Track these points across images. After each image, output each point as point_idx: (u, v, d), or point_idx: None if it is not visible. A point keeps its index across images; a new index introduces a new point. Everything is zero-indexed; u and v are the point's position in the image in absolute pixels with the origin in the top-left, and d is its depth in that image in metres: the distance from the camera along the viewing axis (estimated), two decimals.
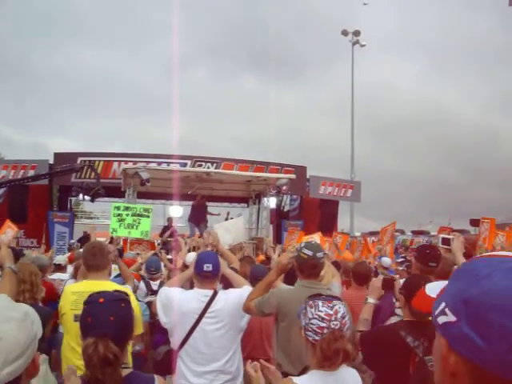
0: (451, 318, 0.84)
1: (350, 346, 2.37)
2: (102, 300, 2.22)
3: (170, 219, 15.98)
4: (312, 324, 2.35)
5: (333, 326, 2.32)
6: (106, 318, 2.14)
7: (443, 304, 0.87)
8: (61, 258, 7.46)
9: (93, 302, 2.26)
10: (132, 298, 3.84)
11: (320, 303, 2.38)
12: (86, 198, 13.85)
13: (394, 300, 4.44)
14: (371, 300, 3.76)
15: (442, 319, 0.87)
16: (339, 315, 2.36)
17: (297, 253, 3.63)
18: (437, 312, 0.89)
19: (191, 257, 5.30)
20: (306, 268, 3.56)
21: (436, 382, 0.90)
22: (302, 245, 3.69)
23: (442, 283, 0.95)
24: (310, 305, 2.40)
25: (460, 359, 0.82)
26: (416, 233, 23.80)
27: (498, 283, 0.80)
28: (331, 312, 2.35)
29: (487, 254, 0.92)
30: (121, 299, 2.28)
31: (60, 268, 7.11)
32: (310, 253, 3.52)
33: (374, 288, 3.84)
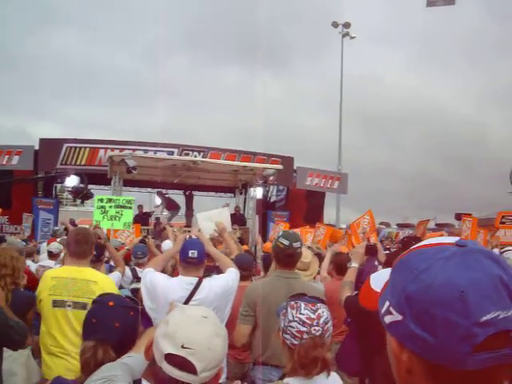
0: (397, 316, 0.84)
1: (330, 355, 2.20)
2: (111, 303, 2.18)
3: (140, 206, 15.98)
4: (291, 327, 2.17)
5: (314, 332, 2.14)
6: (111, 323, 2.09)
7: (387, 303, 0.87)
8: (53, 246, 7.33)
9: (102, 303, 2.21)
10: (112, 285, 3.81)
11: (302, 305, 2.21)
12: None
13: (377, 263, 4.58)
14: (354, 264, 3.88)
15: (388, 319, 0.86)
16: (322, 320, 2.18)
17: (274, 242, 3.65)
18: (382, 312, 0.88)
19: (167, 245, 5.31)
20: (282, 257, 3.57)
21: (396, 379, 0.90)
22: (280, 234, 3.71)
23: (386, 273, 0.95)
24: (292, 306, 2.23)
25: (413, 356, 0.82)
26: (401, 226, 23.94)
27: (437, 277, 0.80)
28: (313, 316, 2.18)
29: (422, 244, 0.90)
30: (131, 307, 2.23)
31: (52, 255, 7.00)
32: (286, 242, 3.53)
33: (357, 253, 3.93)
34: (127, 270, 6.07)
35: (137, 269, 6.13)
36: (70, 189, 13.32)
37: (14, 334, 3.17)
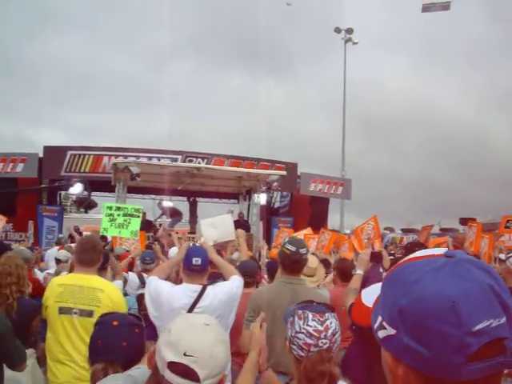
0: (390, 331, 0.83)
1: (337, 370, 2.13)
2: (115, 323, 2.15)
3: (143, 214, 15.98)
4: (298, 338, 2.10)
5: (321, 345, 2.07)
6: (118, 343, 2.06)
7: (380, 318, 0.87)
8: (62, 253, 7.34)
9: (105, 323, 2.19)
10: (118, 293, 3.82)
11: (310, 316, 2.13)
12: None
13: (382, 270, 4.58)
14: (359, 271, 3.87)
15: (381, 333, 0.86)
16: (330, 332, 2.10)
17: (280, 248, 3.65)
18: (375, 327, 0.88)
19: (174, 252, 5.32)
20: (288, 263, 3.58)
21: None
22: (286, 240, 3.72)
23: (377, 288, 0.94)
24: (299, 315, 2.16)
25: (409, 370, 0.82)
26: (406, 231, 23.87)
27: (428, 288, 0.80)
28: (321, 328, 2.10)
29: (411, 256, 0.91)
30: (135, 324, 2.20)
31: (60, 263, 7.00)
32: (293, 248, 3.53)
33: (362, 260, 3.93)
34: (134, 275, 6.11)
35: (144, 275, 6.15)
36: (73, 198, 13.39)
37: (16, 354, 3.20)
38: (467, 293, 0.78)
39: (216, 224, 8.07)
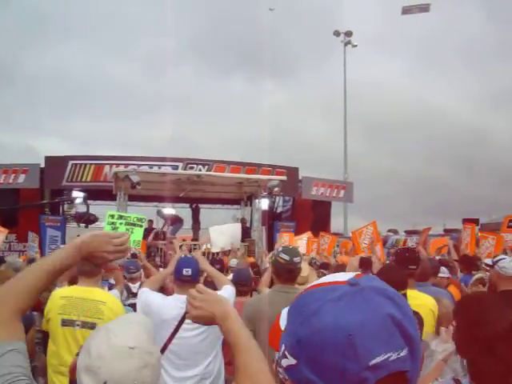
0: (292, 360, 0.81)
1: None
2: None
3: (150, 221, 15.93)
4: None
5: None
6: None
7: (283, 346, 0.84)
8: None
9: None
10: (120, 304, 3.83)
11: None
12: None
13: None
14: None
15: (284, 362, 0.84)
16: None
17: (274, 257, 3.63)
18: (280, 355, 0.86)
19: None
20: (282, 272, 3.55)
21: None
22: (280, 249, 3.69)
23: None
24: None
25: None
26: (409, 232, 23.78)
27: (326, 320, 0.77)
28: None
29: (315, 283, 0.88)
30: None
31: None
32: (287, 257, 3.51)
33: (351, 266, 3.91)
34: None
35: (130, 285, 6.09)
36: (73, 214, 13.45)
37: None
38: (364, 325, 0.75)
39: (225, 231, 8.12)
